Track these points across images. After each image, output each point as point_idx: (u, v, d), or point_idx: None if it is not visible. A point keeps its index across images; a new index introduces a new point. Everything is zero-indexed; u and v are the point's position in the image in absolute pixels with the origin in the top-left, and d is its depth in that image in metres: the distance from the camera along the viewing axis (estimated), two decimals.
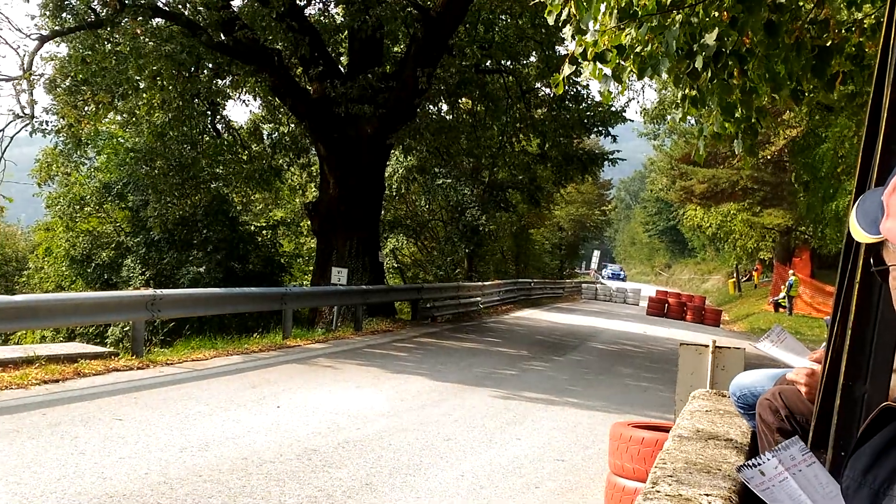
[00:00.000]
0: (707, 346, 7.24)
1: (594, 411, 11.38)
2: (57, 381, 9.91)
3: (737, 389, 4.25)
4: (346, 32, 22.37)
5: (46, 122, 18.98)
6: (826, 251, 38.62)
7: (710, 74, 5.77)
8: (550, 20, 5.95)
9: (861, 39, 6.49)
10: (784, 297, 40.12)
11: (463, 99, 25.40)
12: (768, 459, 1.92)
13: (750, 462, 1.93)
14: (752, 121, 6.36)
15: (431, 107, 23.54)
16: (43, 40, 18.28)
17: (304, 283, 27.75)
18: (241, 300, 16.35)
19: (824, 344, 3.39)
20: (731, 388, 4.32)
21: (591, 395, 12.87)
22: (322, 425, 8.76)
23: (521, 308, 34.29)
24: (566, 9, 5.81)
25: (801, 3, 5.72)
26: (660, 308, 40.13)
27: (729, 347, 7.31)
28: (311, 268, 25.67)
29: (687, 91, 5.99)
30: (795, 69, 5.90)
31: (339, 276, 18.58)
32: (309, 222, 25.70)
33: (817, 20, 5.64)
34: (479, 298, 28.56)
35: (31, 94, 18.10)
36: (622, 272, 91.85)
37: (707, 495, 2.90)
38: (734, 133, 6.44)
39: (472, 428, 9.46)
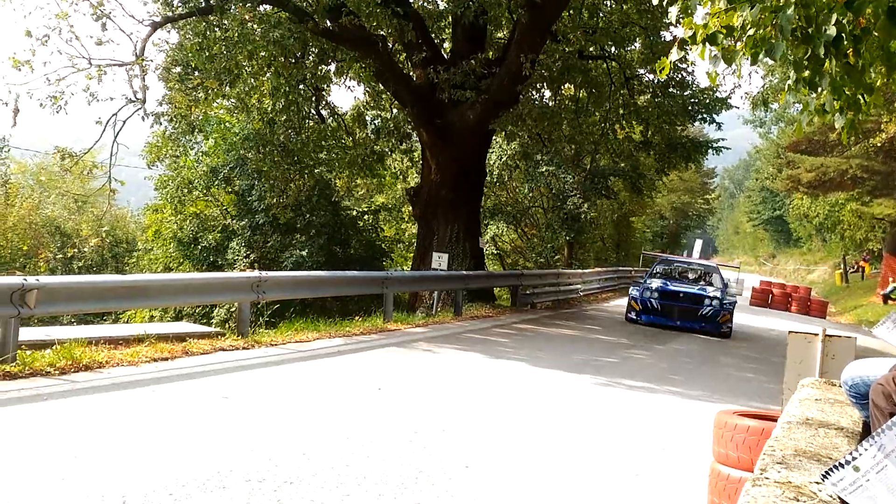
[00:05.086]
0: (817, 334, 7.09)
1: (696, 401, 11.25)
2: (166, 359, 10.16)
3: (849, 378, 4.15)
4: (450, 18, 22.40)
5: (162, 113, 19.44)
6: None
7: (832, 59, 5.62)
8: (655, 0, 5.89)
9: None
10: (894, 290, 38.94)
11: (566, 85, 25.23)
12: (865, 450, 1.85)
13: (842, 461, 1.86)
14: (858, 96, 6.17)
15: (534, 93, 23.42)
16: (155, 26, 18.66)
17: (405, 267, 27.96)
18: (344, 283, 16.54)
19: None
20: (843, 376, 4.23)
21: (693, 384, 12.72)
22: (422, 408, 8.82)
23: (621, 296, 33.97)
24: None
25: None
26: (764, 299, 39.41)
27: (839, 336, 7.14)
28: (412, 253, 25.84)
29: (803, 74, 5.84)
30: None
31: (439, 261, 18.67)
32: (410, 208, 25.87)
33: None
34: (578, 286, 28.44)
35: (143, 79, 18.51)
36: None
37: (817, 483, 2.84)
38: (837, 109, 6.27)
39: (571, 414, 9.43)
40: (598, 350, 15.62)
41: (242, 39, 17.13)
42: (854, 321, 34.27)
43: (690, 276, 24.81)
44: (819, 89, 5.86)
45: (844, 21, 5.33)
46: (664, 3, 5.78)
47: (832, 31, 5.25)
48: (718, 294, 21.55)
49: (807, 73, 5.74)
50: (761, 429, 5.23)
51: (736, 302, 21.72)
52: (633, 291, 22.23)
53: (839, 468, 1.85)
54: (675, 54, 6.09)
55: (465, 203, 22.17)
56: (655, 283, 22.30)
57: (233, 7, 17.50)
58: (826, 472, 1.88)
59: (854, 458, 1.87)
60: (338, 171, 25.33)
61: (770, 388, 12.80)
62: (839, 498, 2.33)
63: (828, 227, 60.07)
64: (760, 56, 5.60)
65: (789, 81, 6.04)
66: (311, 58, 20.82)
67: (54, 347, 9.41)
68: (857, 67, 5.79)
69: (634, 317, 21.75)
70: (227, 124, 25.70)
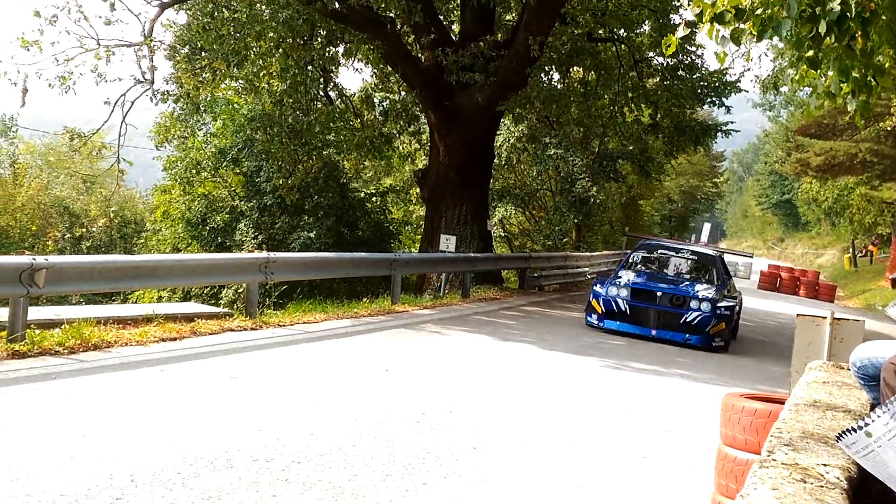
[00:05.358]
0: (825, 317, 7.08)
1: (703, 383, 11.26)
2: (174, 339, 10.17)
3: (857, 360, 4.13)
4: (458, 0, 22.31)
5: (168, 91, 19.38)
6: None
7: (832, 39, 5.61)
8: None
9: None
10: None
11: (574, 67, 25.12)
12: (878, 417, 1.86)
13: (854, 425, 1.86)
14: (868, 78, 6.14)
15: (542, 75, 23.34)
16: (163, 7, 18.65)
17: (413, 249, 27.95)
18: (352, 265, 16.52)
19: None
20: (852, 358, 4.21)
21: (700, 367, 12.73)
22: (429, 389, 8.85)
23: None
24: None
25: None
26: (772, 282, 39.40)
27: (848, 319, 7.13)
28: (420, 235, 25.83)
29: (806, 53, 5.82)
30: None
31: (447, 243, 18.65)
32: (418, 190, 25.85)
33: None
34: (586, 268, 28.40)
35: (152, 60, 18.49)
36: None
37: (825, 465, 2.84)
38: (848, 91, 6.23)
39: (578, 397, 9.45)
40: (606, 332, 15.61)
41: (251, 20, 17.10)
42: (862, 305, 34.25)
43: (680, 267, 18.34)
44: (828, 71, 5.85)
45: (851, 2, 5.31)
46: None
47: (836, 9, 5.23)
48: (711, 294, 15.81)
49: (810, 52, 5.72)
50: (769, 411, 5.24)
51: (738, 304, 16.86)
52: (597, 287, 16.50)
53: (852, 432, 1.86)
54: (681, 31, 6.08)
55: (473, 185, 22.13)
56: (627, 276, 16.65)
57: None
58: (839, 434, 1.89)
59: (867, 424, 1.87)
60: (346, 153, 25.32)
61: (777, 371, 12.82)
62: (847, 479, 2.33)
63: (836, 212, 59.82)
64: (767, 34, 5.58)
65: (794, 60, 6.02)
66: (319, 39, 20.75)
67: (63, 327, 9.43)
68: (866, 49, 5.77)
69: (595, 321, 16.06)
70: (234, 105, 25.66)
